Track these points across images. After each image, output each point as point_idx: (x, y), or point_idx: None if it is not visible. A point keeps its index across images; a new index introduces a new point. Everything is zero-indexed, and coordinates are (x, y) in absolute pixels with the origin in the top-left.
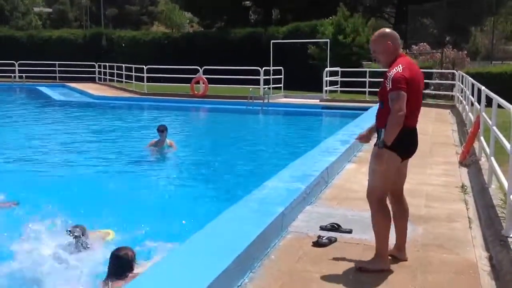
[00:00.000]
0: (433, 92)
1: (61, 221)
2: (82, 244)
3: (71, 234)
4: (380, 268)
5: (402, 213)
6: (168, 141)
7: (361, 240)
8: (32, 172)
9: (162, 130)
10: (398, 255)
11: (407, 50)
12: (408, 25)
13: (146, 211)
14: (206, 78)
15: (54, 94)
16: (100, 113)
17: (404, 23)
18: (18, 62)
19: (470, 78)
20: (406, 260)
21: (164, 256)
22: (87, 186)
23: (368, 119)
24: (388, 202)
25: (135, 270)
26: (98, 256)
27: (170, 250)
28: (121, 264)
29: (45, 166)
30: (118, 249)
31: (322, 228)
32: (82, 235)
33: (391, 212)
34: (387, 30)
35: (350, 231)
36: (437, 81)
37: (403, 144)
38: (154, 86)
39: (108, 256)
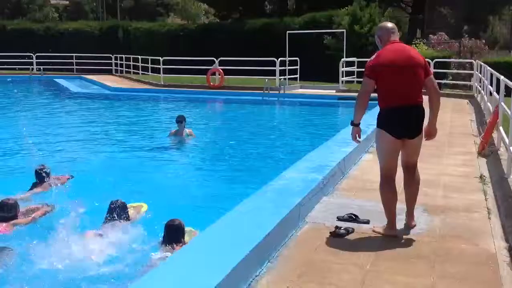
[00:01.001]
0: (451, 82)
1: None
2: (124, 217)
3: (114, 208)
4: (388, 234)
5: (410, 183)
6: (187, 130)
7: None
8: (61, 159)
9: (180, 121)
10: (407, 220)
11: (425, 39)
12: (425, 15)
13: (170, 194)
14: (222, 69)
15: (72, 86)
16: (118, 104)
17: (421, 12)
18: (35, 54)
19: (488, 68)
20: (412, 226)
21: (184, 246)
22: (112, 171)
23: None
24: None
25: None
26: (139, 224)
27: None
28: (176, 231)
29: (71, 153)
30: (172, 220)
31: (340, 219)
32: (124, 209)
33: (403, 181)
34: (380, 24)
35: (367, 222)
36: (455, 71)
37: (388, 122)
38: (170, 77)
39: (143, 223)
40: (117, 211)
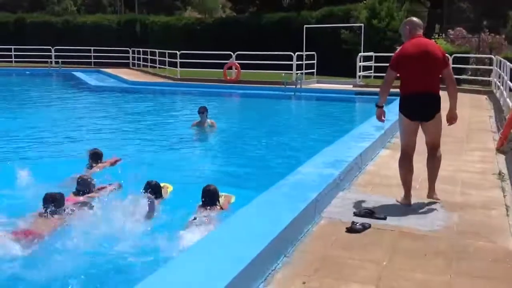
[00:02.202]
0: (470, 77)
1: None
2: (158, 195)
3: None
4: (404, 202)
5: (431, 163)
6: (209, 121)
7: (396, 227)
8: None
9: (202, 111)
10: (428, 193)
11: (443, 34)
12: (444, 9)
13: (191, 181)
14: (239, 63)
15: (90, 79)
16: (137, 98)
17: (440, 7)
18: (54, 48)
19: (508, 63)
20: (432, 198)
21: (200, 239)
22: (139, 159)
23: None
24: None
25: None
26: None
27: (206, 233)
28: (212, 194)
29: (101, 142)
30: (208, 185)
31: (356, 214)
32: (158, 188)
33: (426, 160)
34: (410, 18)
35: (384, 218)
36: (474, 66)
37: (404, 106)
38: (187, 71)
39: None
40: (153, 190)
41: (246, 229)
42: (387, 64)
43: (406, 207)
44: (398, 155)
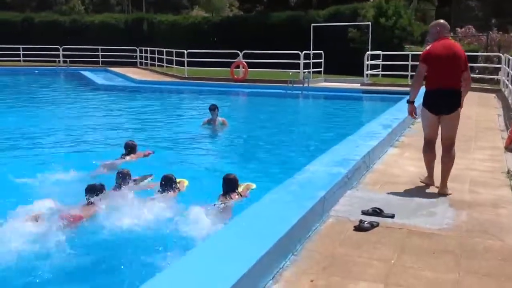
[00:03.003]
0: (478, 76)
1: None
2: (174, 187)
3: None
4: (426, 182)
5: (446, 159)
6: (220, 119)
7: (404, 225)
8: (105, 145)
9: (213, 108)
10: (440, 190)
11: (452, 33)
12: (452, 8)
13: (202, 178)
14: (246, 62)
15: (98, 78)
16: (144, 97)
17: (448, 5)
18: (62, 47)
19: None
20: (443, 193)
21: (208, 238)
22: (152, 157)
23: None
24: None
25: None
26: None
27: (214, 231)
28: (232, 183)
29: (114, 140)
30: (228, 174)
31: (364, 213)
32: (173, 181)
33: (441, 157)
34: (441, 21)
35: (392, 216)
36: (482, 64)
37: (428, 101)
38: (194, 70)
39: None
40: (169, 183)
41: (254, 227)
42: (395, 63)
43: (414, 205)
44: (407, 153)
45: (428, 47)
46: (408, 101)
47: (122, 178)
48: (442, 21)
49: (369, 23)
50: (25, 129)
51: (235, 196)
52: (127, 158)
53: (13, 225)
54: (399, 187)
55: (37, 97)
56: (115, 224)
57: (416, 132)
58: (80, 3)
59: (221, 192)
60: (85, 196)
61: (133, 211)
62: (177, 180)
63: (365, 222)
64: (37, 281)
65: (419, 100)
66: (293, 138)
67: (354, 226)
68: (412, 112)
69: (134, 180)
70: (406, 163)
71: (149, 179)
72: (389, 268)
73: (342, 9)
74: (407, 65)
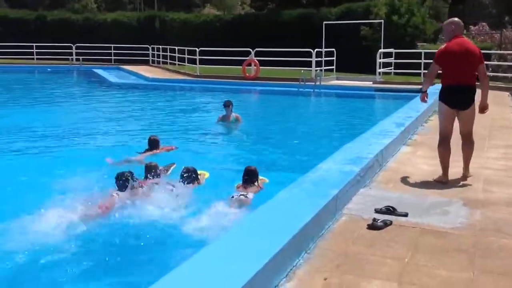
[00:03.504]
0: (491, 74)
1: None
2: (195, 179)
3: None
4: (440, 180)
5: (465, 147)
6: (234, 115)
7: (417, 224)
8: (121, 143)
9: (227, 105)
10: (463, 172)
11: (465, 30)
12: (465, 5)
13: (223, 170)
14: (258, 60)
15: (110, 76)
16: (157, 95)
17: (462, 2)
18: (75, 45)
19: None
20: (467, 176)
21: (221, 235)
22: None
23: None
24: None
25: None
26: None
27: (227, 230)
28: (252, 174)
29: (127, 138)
30: (249, 166)
31: (377, 211)
32: (195, 173)
33: (461, 145)
34: (456, 19)
35: (406, 215)
36: (496, 62)
37: (445, 96)
38: (206, 68)
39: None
40: (190, 175)
41: (267, 225)
42: (407, 61)
43: (427, 204)
44: (420, 151)
45: (442, 46)
46: (421, 90)
47: (150, 170)
48: (456, 19)
49: (382, 20)
50: (44, 127)
51: (253, 187)
52: (150, 152)
53: (50, 216)
54: (413, 185)
55: (55, 95)
56: (139, 214)
57: (429, 130)
58: (92, 1)
59: (240, 182)
60: (116, 183)
61: (157, 203)
62: (199, 172)
63: (379, 221)
64: (69, 269)
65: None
66: (305, 136)
67: (367, 225)
68: (424, 97)
69: (158, 174)
70: (419, 161)
71: (173, 168)
72: (402, 266)
73: (354, 6)
74: (420, 63)
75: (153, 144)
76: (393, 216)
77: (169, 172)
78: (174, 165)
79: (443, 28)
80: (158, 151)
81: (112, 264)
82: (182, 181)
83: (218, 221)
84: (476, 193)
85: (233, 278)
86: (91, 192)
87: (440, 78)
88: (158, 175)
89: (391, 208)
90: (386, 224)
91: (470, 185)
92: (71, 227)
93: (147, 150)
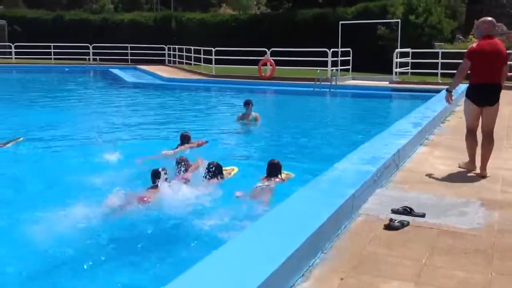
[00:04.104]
0: (509, 74)
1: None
2: (219, 175)
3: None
4: (468, 167)
5: (486, 143)
6: (253, 114)
7: (435, 225)
8: (142, 141)
9: (248, 103)
10: (480, 173)
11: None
12: (483, 5)
13: (245, 166)
14: (273, 60)
15: (127, 76)
16: (174, 94)
17: (480, 2)
18: (92, 45)
19: None
20: (483, 176)
21: (238, 235)
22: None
23: (440, 102)
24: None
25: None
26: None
27: (244, 229)
28: (276, 167)
29: (152, 136)
30: (272, 159)
31: (394, 211)
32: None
33: (481, 144)
34: (489, 19)
35: (423, 215)
36: None
37: (473, 93)
38: (221, 68)
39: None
40: (214, 170)
41: (284, 224)
42: (425, 60)
43: (445, 204)
44: (437, 152)
45: (474, 44)
46: (447, 90)
47: (181, 165)
48: (490, 19)
49: (399, 20)
50: (68, 125)
51: (276, 179)
52: (182, 147)
53: (89, 208)
54: (430, 186)
55: (79, 94)
56: (170, 208)
57: (446, 131)
58: (109, 2)
59: (264, 175)
60: (152, 179)
61: (186, 197)
62: (228, 167)
63: (395, 221)
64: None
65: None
66: (321, 135)
67: (384, 225)
68: (448, 98)
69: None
70: (436, 161)
71: (234, 172)
72: (420, 267)
73: (370, 6)
74: (437, 63)
75: (185, 139)
76: (410, 217)
77: (231, 175)
78: (236, 170)
79: (475, 25)
80: (188, 146)
81: (137, 256)
82: (207, 176)
83: (242, 211)
84: (494, 194)
85: (250, 278)
86: (127, 186)
87: (452, 77)
88: (186, 170)
89: (408, 209)
90: (403, 224)
91: (488, 186)
92: (110, 220)
93: (179, 145)
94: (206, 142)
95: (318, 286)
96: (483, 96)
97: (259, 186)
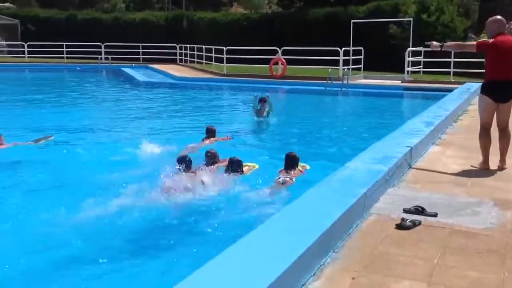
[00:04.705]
0: None
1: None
2: (239, 170)
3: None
4: (482, 167)
5: (503, 139)
6: (268, 111)
7: (447, 224)
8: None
9: (263, 101)
10: (500, 165)
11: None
12: (496, 2)
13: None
14: (285, 59)
15: (138, 75)
16: (185, 93)
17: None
18: (104, 44)
19: None
20: (503, 168)
21: (249, 233)
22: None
23: (453, 101)
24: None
25: None
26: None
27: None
28: (293, 160)
29: (168, 132)
30: (290, 152)
31: (406, 211)
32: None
33: (498, 138)
34: (499, 17)
35: (435, 215)
36: None
37: (489, 90)
38: (233, 67)
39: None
40: (235, 165)
41: (295, 223)
42: (436, 60)
43: (457, 204)
44: (449, 151)
45: (491, 40)
46: (441, 46)
47: (209, 157)
48: (499, 17)
49: (411, 19)
50: (85, 122)
51: (294, 172)
52: (207, 141)
53: (118, 200)
54: (442, 185)
55: (100, 94)
56: (188, 198)
57: (458, 130)
58: (121, 1)
59: (282, 168)
60: (178, 165)
61: (208, 188)
62: (249, 164)
63: (407, 221)
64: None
65: None
66: (333, 134)
67: (396, 224)
68: (436, 46)
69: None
70: (448, 161)
71: (254, 169)
72: (431, 267)
73: (382, 4)
74: (450, 62)
75: (211, 133)
76: (422, 216)
77: (249, 173)
78: (256, 167)
79: (486, 25)
80: (215, 139)
81: (151, 249)
82: (229, 171)
83: (263, 202)
84: (507, 194)
85: (261, 276)
86: (149, 178)
87: (464, 75)
88: (215, 163)
89: (420, 208)
90: (415, 224)
91: (501, 185)
92: (137, 209)
93: (204, 139)
94: (231, 138)
95: (329, 285)
96: (501, 93)
97: (280, 179)
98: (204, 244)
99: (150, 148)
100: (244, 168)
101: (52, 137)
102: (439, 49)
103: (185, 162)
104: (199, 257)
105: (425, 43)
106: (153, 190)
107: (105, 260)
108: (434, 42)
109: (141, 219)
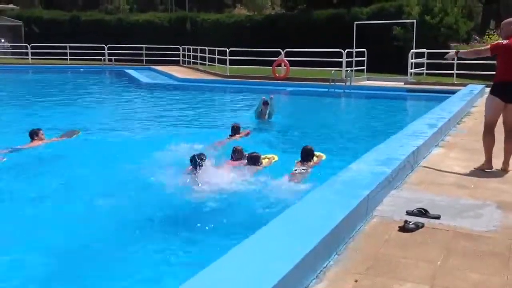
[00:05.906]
0: None
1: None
2: (258, 163)
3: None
4: (486, 168)
5: (507, 139)
6: (270, 112)
7: (450, 227)
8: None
9: (266, 103)
10: (503, 167)
11: (499, 31)
12: (500, 4)
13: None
14: (288, 60)
15: (141, 77)
16: (188, 94)
17: (496, 2)
18: (107, 46)
19: None
20: (507, 170)
21: (252, 235)
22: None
23: (456, 103)
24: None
25: None
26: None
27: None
28: (308, 152)
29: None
30: (306, 146)
31: (409, 213)
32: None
33: (504, 139)
34: (509, 19)
35: (438, 217)
36: None
37: (499, 90)
38: (236, 68)
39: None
40: (254, 159)
41: (298, 225)
42: (440, 61)
43: (460, 206)
44: (453, 153)
45: (504, 41)
46: (457, 53)
47: (236, 153)
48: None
49: (414, 20)
50: (98, 121)
51: (310, 163)
52: (233, 137)
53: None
54: (445, 187)
55: (115, 95)
56: (207, 192)
57: (462, 132)
58: (125, 3)
59: (298, 160)
60: (191, 163)
61: (228, 181)
62: (269, 155)
63: (410, 223)
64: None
65: None
66: (336, 136)
67: (399, 227)
68: (452, 56)
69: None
70: (452, 163)
71: (274, 160)
72: (435, 269)
73: (386, 6)
74: (453, 63)
75: (235, 130)
76: (425, 218)
77: (271, 164)
78: (276, 158)
79: (502, 26)
80: (239, 135)
81: (166, 237)
82: (249, 164)
83: (281, 193)
84: (511, 196)
85: (264, 278)
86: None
87: (467, 77)
88: (240, 158)
89: (423, 210)
90: (418, 226)
91: (504, 188)
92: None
93: (230, 136)
94: (250, 132)
95: (332, 287)
96: (510, 94)
97: (297, 170)
98: (223, 236)
99: (171, 147)
100: (264, 161)
101: (79, 132)
102: (455, 58)
103: (198, 160)
104: (223, 245)
105: (444, 57)
106: (169, 185)
107: (122, 252)
108: (450, 53)
109: (158, 210)
